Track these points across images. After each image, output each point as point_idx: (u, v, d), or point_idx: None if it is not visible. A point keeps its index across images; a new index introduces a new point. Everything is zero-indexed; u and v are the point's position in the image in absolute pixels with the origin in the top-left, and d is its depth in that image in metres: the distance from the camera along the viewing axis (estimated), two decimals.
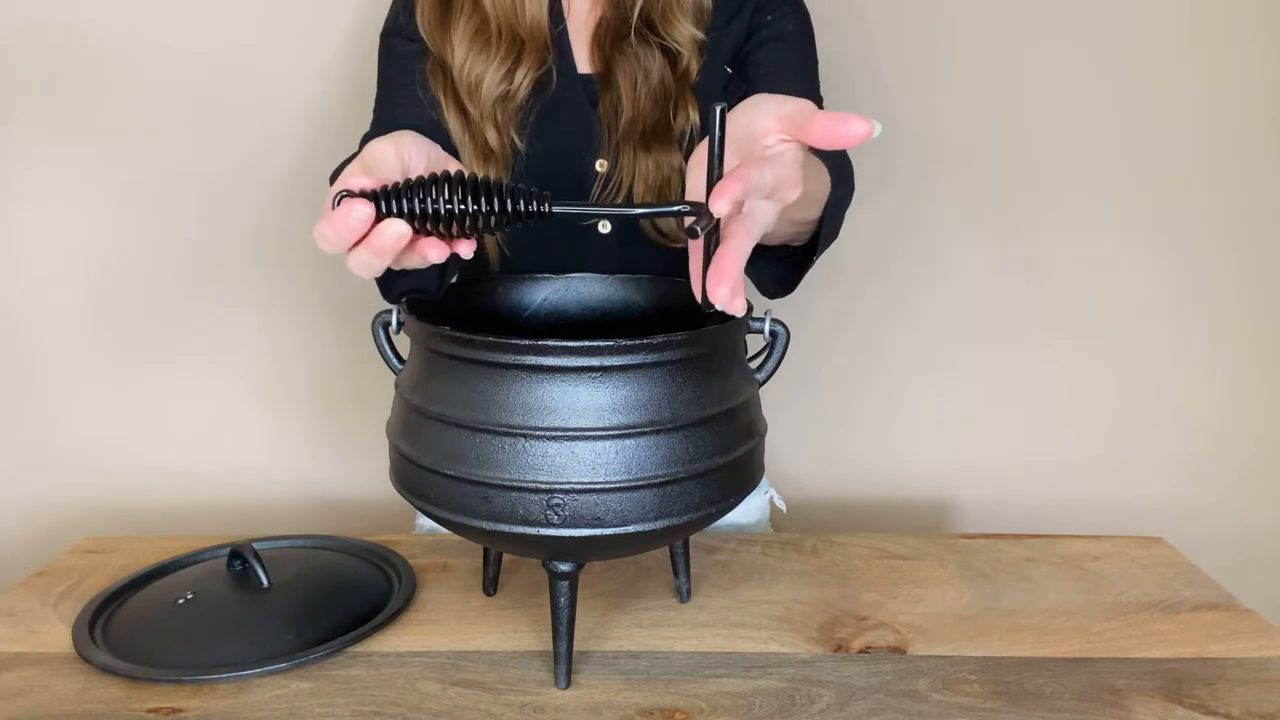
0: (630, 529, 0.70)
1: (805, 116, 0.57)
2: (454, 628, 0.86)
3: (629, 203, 0.93)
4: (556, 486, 0.69)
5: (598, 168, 0.97)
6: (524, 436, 0.69)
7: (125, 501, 1.37)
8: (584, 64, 1.00)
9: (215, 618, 0.84)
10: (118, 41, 1.26)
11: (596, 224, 0.97)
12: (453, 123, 0.96)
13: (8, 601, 0.91)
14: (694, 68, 0.96)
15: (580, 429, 0.69)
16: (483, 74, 0.95)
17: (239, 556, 0.88)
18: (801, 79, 0.98)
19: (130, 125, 1.28)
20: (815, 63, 1.01)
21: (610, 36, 0.98)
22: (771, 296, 1.00)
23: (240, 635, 0.82)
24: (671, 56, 0.96)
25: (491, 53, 0.95)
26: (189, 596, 0.86)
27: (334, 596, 0.88)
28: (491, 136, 0.95)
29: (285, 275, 1.33)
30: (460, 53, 0.96)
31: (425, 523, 1.11)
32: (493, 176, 0.66)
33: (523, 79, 0.95)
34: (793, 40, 0.99)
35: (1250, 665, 0.80)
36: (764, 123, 0.59)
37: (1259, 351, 1.38)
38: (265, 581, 0.86)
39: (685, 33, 0.95)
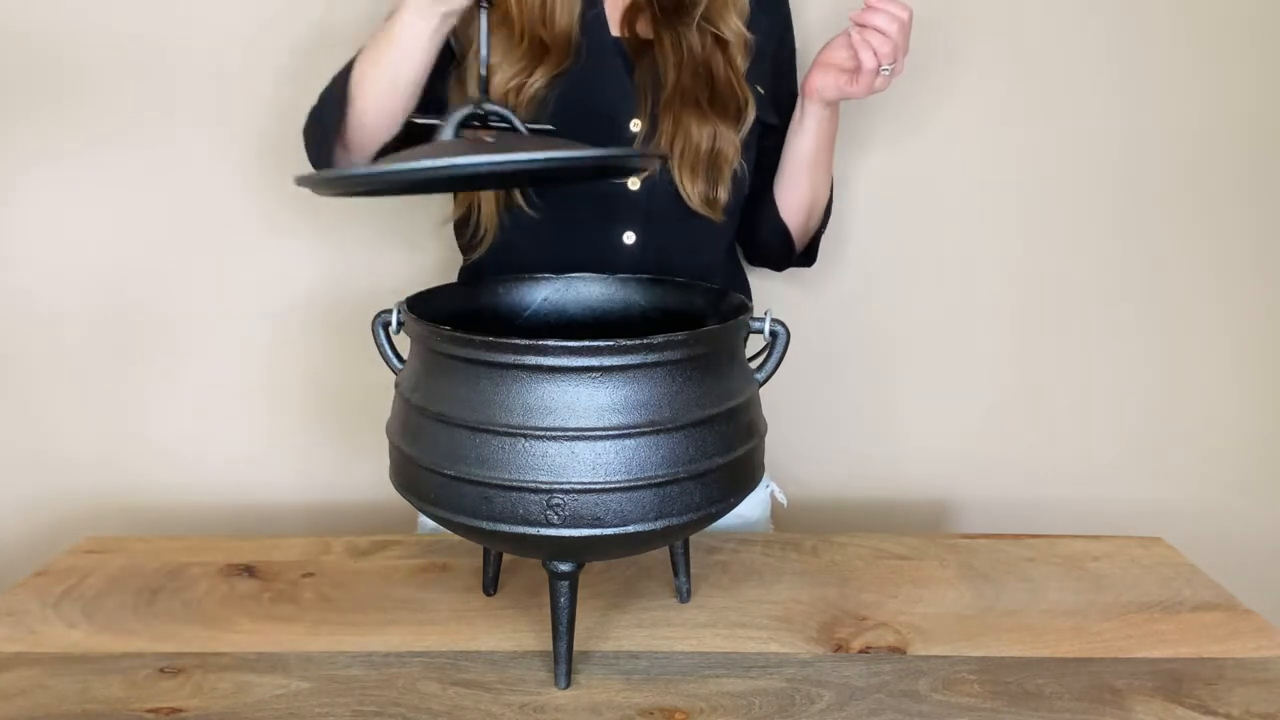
0: (630, 529, 0.70)
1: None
2: (454, 628, 0.86)
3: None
4: (556, 486, 0.69)
5: (632, 128, 0.98)
6: (524, 436, 0.69)
7: (125, 501, 1.37)
8: (618, 28, 1.02)
9: None
10: (118, 42, 1.26)
11: (625, 181, 0.98)
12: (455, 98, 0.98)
13: (8, 601, 0.91)
14: (742, 60, 1.01)
15: (580, 429, 0.69)
16: (497, 67, 0.95)
17: None
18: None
19: (131, 126, 1.28)
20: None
21: (653, 10, 1.00)
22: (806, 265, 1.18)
23: None
24: (723, 45, 1.00)
25: (511, 52, 0.96)
26: None
27: None
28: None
29: (286, 275, 1.33)
30: (477, 39, 0.97)
31: (429, 524, 1.11)
32: None
33: (539, 77, 0.96)
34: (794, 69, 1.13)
35: (1250, 665, 0.80)
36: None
37: (1259, 351, 1.38)
38: None
39: (734, 24, 1.00)
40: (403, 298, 0.81)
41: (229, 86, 1.28)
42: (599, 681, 0.78)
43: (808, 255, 1.16)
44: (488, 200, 0.98)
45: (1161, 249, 1.35)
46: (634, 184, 0.98)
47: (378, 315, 0.81)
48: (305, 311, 1.34)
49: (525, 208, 0.98)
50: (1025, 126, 1.31)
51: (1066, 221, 1.34)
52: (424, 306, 0.79)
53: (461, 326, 0.72)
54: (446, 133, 0.75)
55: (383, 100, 0.91)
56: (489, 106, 0.77)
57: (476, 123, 0.77)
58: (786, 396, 1.20)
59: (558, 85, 0.97)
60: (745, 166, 1.01)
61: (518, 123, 0.78)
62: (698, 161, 0.97)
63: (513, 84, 0.96)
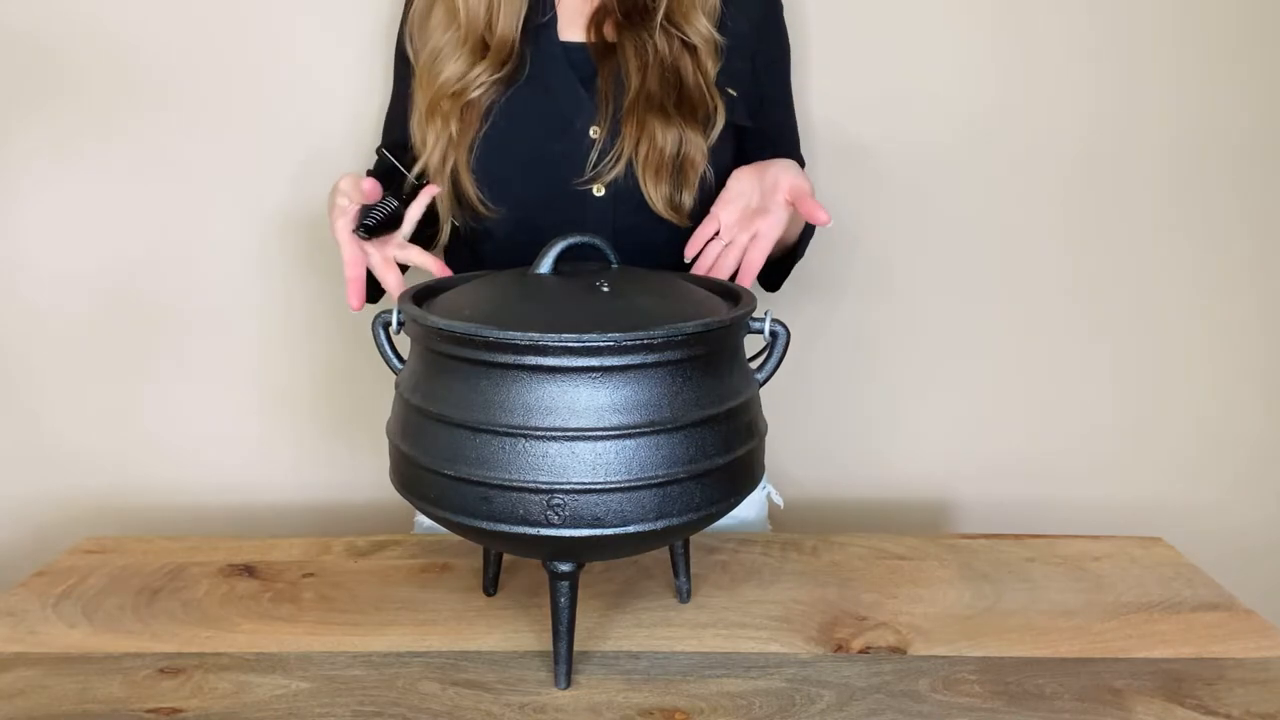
0: (630, 529, 0.70)
1: (804, 194, 0.91)
2: (454, 628, 0.86)
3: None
4: (557, 486, 0.69)
5: (591, 134, 0.98)
6: (524, 436, 0.69)
7: (125, 501, 1.37)
8: (576, 36, 1.02)
9: None
10: (118, 44, 1.26)
11: (591, 188, 0.98)
12: (415, 111, 1.01)
13: (8, 601, 0.91)
14: (711, 65, 1.00)
15: (580, 429, 0.69)
16: (444, 64, 0.98)
17: None
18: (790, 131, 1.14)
19: (132, 129, 1.28)
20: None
21: (616, 13, 1.01)
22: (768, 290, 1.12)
23: None
24: (691, 49, 1.00)
25: (455, 51, 0.98)
26: None
27: None
28: (437, 125, 0.98)
29: (286, 276, 1.33)
30: (426, 37, 1.00)
31: (425, 522, 1.11)
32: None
33: (481, 77, 0.98)
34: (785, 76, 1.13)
35: (1250, 665, 0.80)
36: (784, 184, 0.91)
37: (1259, 350, 1.38)
38: None
39: (702, 28, 1.00)
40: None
41: (229, 88, 1.28)
42: (599, 681, 0.78)
43: (773, 282, 1.13)
44: (441, 200, 1.00)
45: (1162, 247, 1.35)
46: (599, 190, 0.98)
47: (377, 315, 0.81)
48: (305, 311, 1.34)
49: (481, 208, 0.99)
50: (1021, 127, 1.31)
51: (1064, 221, 1.34)
52: (428, 299, 0.80)
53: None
54: (545, 265, 0.79)
55: None
56: None
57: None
58: (786, 397, 1.20)
59: (510, 95, 0.98)
60: (713, 171, 0.99)
61: None
62: (662, 165, 0.97)
63: (458, 85, 0.98)
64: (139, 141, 1.28)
